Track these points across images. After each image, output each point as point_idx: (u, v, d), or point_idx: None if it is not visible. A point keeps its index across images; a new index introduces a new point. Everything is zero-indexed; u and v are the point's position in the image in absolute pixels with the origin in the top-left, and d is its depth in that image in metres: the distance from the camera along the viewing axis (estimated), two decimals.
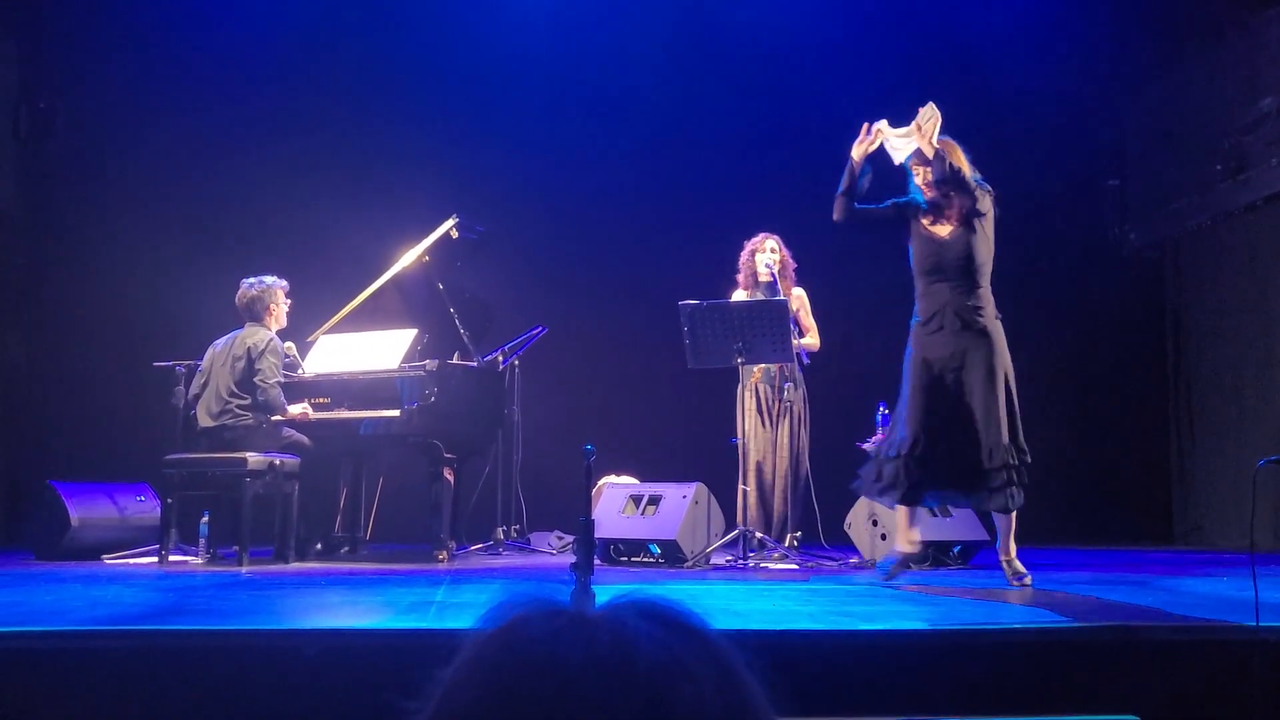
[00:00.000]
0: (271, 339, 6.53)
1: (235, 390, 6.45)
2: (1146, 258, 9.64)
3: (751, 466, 6.55)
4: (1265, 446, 7.97)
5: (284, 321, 6.74)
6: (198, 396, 6.61)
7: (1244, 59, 8.38)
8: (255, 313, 6.63)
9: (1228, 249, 8.70)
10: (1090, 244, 9.52)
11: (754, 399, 6.64)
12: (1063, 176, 9.38)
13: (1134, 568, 6.14)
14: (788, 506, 6.61)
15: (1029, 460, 4.85)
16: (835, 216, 5.26)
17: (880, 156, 5.17)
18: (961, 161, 4.98)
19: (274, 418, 6.53)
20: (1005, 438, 4.79)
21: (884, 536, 6.22)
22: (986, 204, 4.94)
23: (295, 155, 8.80)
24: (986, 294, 4.99)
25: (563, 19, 9.23)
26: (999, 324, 4.97)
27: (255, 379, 6.42)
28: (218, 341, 6.66)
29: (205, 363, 6.63)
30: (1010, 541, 4.95)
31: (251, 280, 6.69)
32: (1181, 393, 9.26)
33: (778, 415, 6.70)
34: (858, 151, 5.17)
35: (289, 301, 6.76)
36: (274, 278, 6.72)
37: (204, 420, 6.51)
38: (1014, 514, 4.90)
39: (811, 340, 6.76)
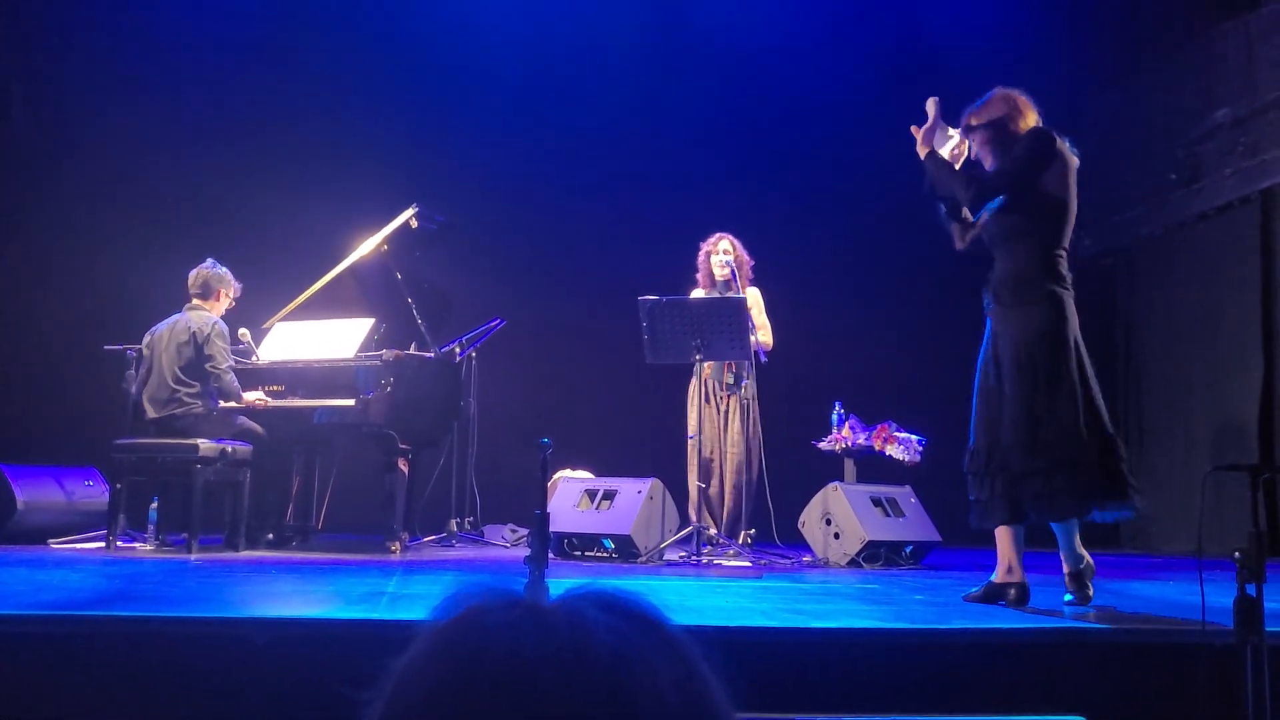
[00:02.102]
0: (216, 322, 6.41)
1: (182, 377, 6.34)
2: (1099, 265, 9.73)
3: (707, 463, 6.56)
4: (1212, 454, 8.09)
5: (223, 311, 6.63)
6: (143, 387, 6.49)
7: (1200, 70, 8.49)
8: (206, 290, 6.51)
9: (1180, 258, 8.80)
10: None
11: (703, 394, 6.65)
12: None
13: None
14: (742, 504, 6.62)
15: (1055, 456, 3.98)
16: (958, 248, 4.45)
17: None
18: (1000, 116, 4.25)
19: (229, 404, 6.45)
20: (1029, 434, 4.01)
21: (837, 535, 6.25)
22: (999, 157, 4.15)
23: (254, 141, 8.71)
24: (1034, 263, 4.15)
25: (528, 11, 9.20)
26: (1049, 298, 4.12)
27: (206, 365, 6.32)
28: (157, 328, 6.52)
29: (146, 351, 6.50)
30: (1066, 549, 4.14)
31: (213, 261, 6.62)
32: (1131, 399, 9.36)
33: (729, 411, 6.72)
34: (923, 153, 4.38)
35: (237, 298, 6.67)
36: (232, 275, 6.66)
37: (151, 411, 6.38)
38: (1069, 522, 4.10)
39: (764, 338, 6.77)
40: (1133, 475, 4.09)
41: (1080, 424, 4.01)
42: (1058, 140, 4.21)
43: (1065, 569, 4.18)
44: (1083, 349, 4.15)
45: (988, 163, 4.29)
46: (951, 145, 4.39)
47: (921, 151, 4.34)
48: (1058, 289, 4.14)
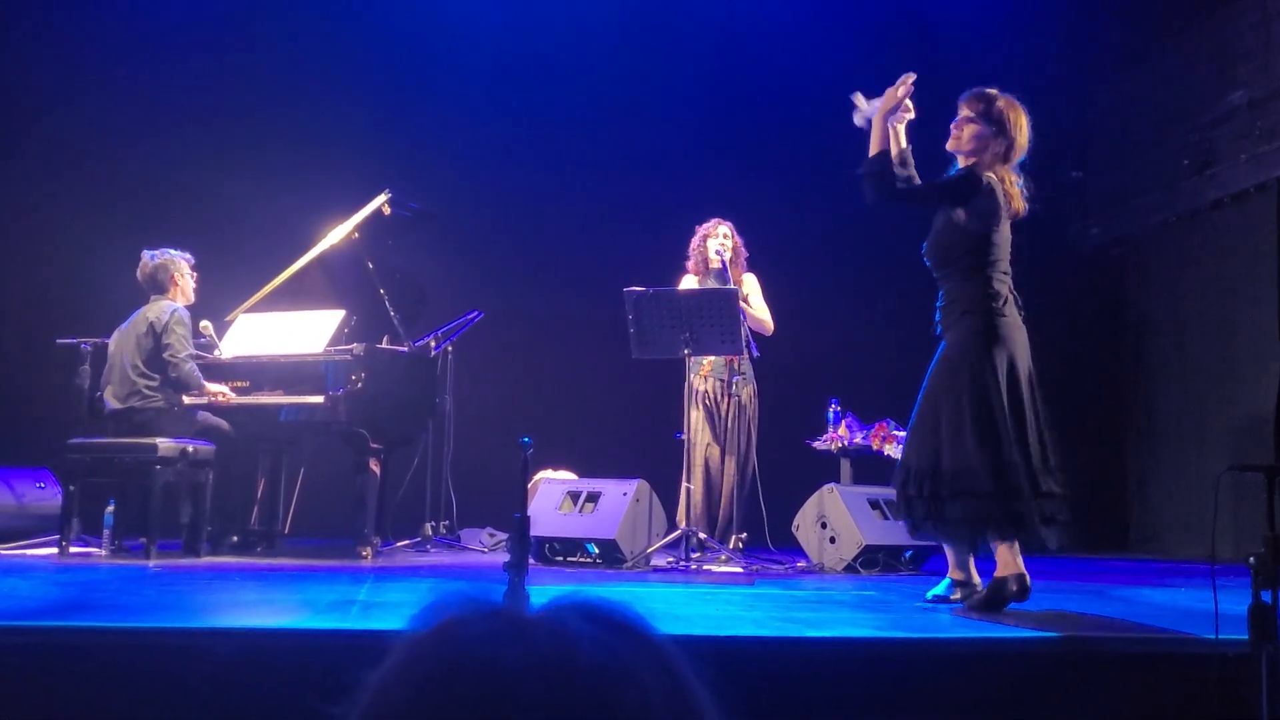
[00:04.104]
0: (175, 309, 6.38)
1: (143, 369, 6.32)
2: (1108, 255, 9.77)
3: (697, 463, 6.56)
4: (1226, 453, 8.11)
5: (192, 296, 6.61)
6: (107, 383, 6.47)
7: (1214, 51, 8.51)
8: (159, 284, 6.49)
9: (1193, 248, 8.83)
10: (1049, 240, 9.59)
11: (702, 393, 6.65)
12: (1021, 167, 9.43)
13: (1090, 577, 6.22)
14: (733, 507, 6.63)
15: (954, 481, 4.19)
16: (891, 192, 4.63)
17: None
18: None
19: (189, 398, 6.42)
20: (924, 461, 4.26)
21: (833, 540, 6.26)
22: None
23: (217, 122, 8.68)
24: (964, 287, 4.39)
25: None
26: (975, 320, 4.33)
27: (164, 354, 6.30)
28: (122, 326, 6.52)
29: (111, 346, 6.49)
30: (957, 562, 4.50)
31: (153, 251, 6.57)
32: (1141, 396, 9.40)
33: (726, 411, 6.72)
34: (878, 121, 4.56)
35: (195, 275, 6.65)
36: (176, 250, 6.61)
37: (111, 403, 6.39)
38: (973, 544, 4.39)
39: (763, 318, 6.72)
40: (1046, 511, 4.22)
41: (978, 452, 4.16)
42: (989, 187, 4.38)
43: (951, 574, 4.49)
44: (1020, 373, 4.29)
45: (962, 148, 4.48)
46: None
47: (878, 120, 4.49)
48: (989, 310, 4.32)
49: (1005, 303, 4.35)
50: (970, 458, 4.16)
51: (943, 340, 4.43)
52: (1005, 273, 4.42)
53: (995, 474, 4.14)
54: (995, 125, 4.42)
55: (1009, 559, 4.19)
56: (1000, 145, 4.42)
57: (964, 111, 4.48)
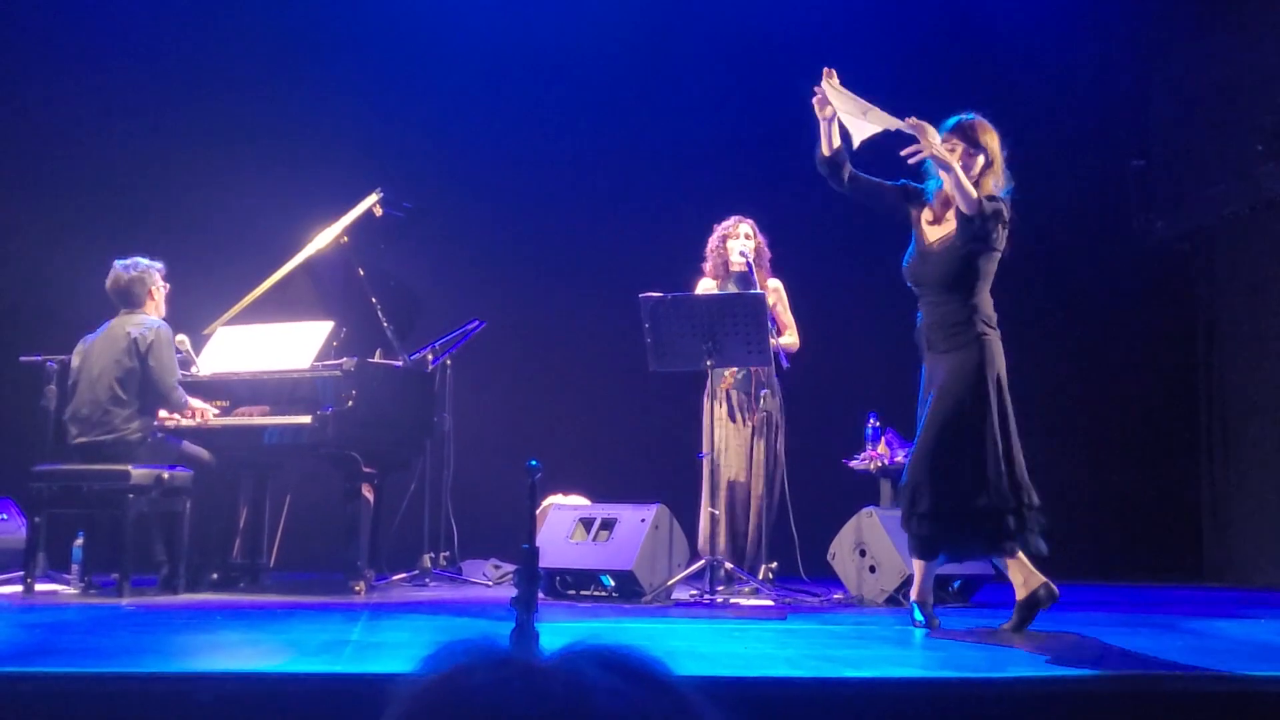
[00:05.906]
0: (160, 326, 6.37)
1: (119, 394, 6.28)
2: (1174, 251, 9.73)
3: (721, 486, 6.56)
4: None
5: (164, 309, 6.62)
6: (73, 406, 6.46)
7: None
8: (135, 298, 6.47)
9: (1270, 242, 8.79)
10: (1110, 234, 9.57)
11: (725, 408, 6.65)
12: (1078, 154, 9.42)
13: (1160, 607, 6.21)
14: (762, 533, 6.63)
15: (969, 498, 4.86)
16: (836, 189, 5.33)
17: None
18: (990, 167, 4.97)
19: (170, 418, 6.43)
20: (946, 475, 4.88)
21: (873, 569, 6.26)
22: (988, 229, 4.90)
23: (191, 116, 8.69)
24: (966, 309, 4.99)
25: None
26: (977, 341, 4.95)
27: (151, 376, 6.29)
28: (88, 338, 6.49)
29: (75, 364, 6.47)
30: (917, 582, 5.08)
31: (125, 262, 6.54)
32: (1214, 407, 9.36)
33: (753, 428, 6.72)
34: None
35: (167, 286, 6.66)
36: (147, 260, 6.60)
37: (76, 433, 6.34)
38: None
39: (790, 339, 6.78)
40: (1035, 521, 4.91)
41: (991, 469, 4.81)
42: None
43: (914, 595, 5.05)
44: (1005, 390, 4.95)
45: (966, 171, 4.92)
46: (871, 132, 5.15)
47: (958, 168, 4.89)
48: (987, 330, 4.97)
49: (996, 320, 5.03)
50: (1000, 473, 4.82)
51: (942, 358, 4.98)
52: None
53: (1018, 488, 4.84)
54: (985, 153, 4.95)
55: (1027, 571, 4.84)
56: (996, 172, 4.94)
57: (952, 144, 4.94)
